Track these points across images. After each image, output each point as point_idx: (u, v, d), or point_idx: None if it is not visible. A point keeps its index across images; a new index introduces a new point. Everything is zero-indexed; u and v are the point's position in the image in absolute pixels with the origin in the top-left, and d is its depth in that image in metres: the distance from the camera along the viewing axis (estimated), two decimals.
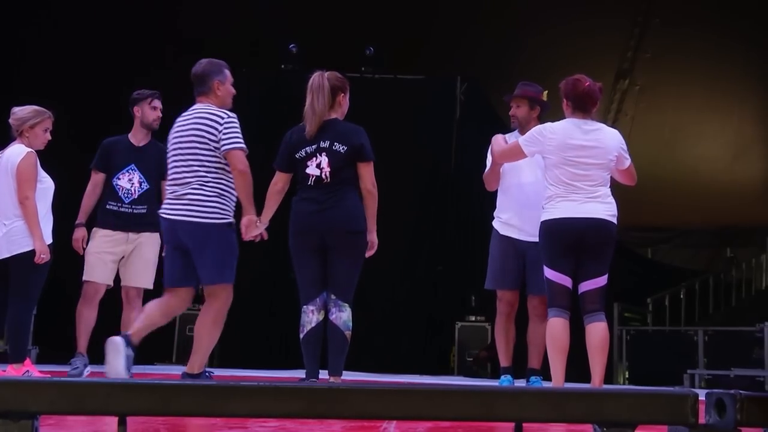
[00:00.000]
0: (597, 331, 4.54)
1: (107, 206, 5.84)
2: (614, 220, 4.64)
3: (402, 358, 10.15)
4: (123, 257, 5.85)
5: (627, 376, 10.47)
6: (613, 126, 8.42)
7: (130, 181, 5.86)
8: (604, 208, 4.63)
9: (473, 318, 10.55)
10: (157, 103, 5.97)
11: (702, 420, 1.79)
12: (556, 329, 4.56)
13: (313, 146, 4.61)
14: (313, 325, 4.66)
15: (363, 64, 11.15)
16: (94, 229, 5.85)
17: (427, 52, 11.94)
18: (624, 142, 4.80)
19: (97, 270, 5.80)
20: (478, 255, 11.36)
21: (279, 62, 10.63)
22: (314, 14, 11.38)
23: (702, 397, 1.80)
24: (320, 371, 4.85)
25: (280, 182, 4.73)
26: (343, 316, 4.62)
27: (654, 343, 10.61)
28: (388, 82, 11.19)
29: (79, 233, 5.84)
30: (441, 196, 11.18)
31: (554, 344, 4.57)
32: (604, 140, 4.69)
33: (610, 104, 13.22)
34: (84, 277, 5.83)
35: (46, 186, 5.43)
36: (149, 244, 5.86)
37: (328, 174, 4.58)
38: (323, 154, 4.59)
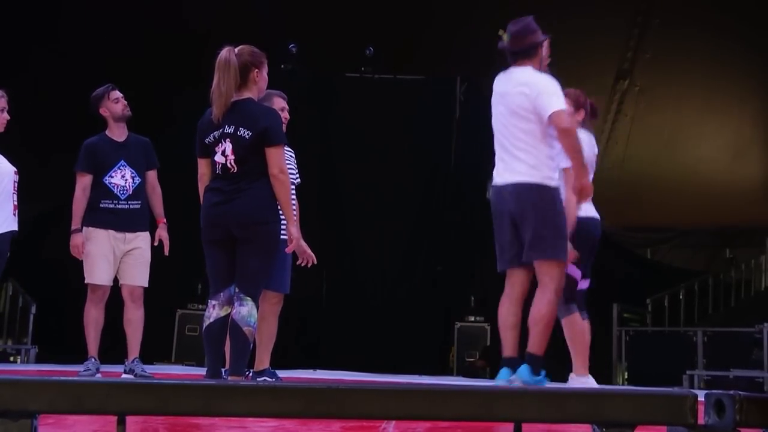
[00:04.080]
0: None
1: (101, 205, 5.80)
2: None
3: (402, 358, 10.16)
4: (121, 257, 5.85)
5: (626, 376, 10.48)
6: (612, 126, 8.40)
7: (123, 178, 5.85)
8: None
9: (473, 318, 10.56)
10: (115, 94, 5.95)
11: (701, 421, 1.79)
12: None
13: (219, 131, 4.26)
14: (212, 320, 4.27)
15: (363, 64, 11.17)
16: (89, 229, 5.79)
17: (427, 52, 11.93)
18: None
19: (102, 271, 5.78)
20: (477, 255, 11.42)
21: (278, 62, 10.63)
22: (314, 14, 11.38)
23: (701, 398, 1.80)
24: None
25: (200, 168, 4.42)
26: (242, 311, 4.18)
27: (653, 344, 10.62)
28: (387, 82, 11.21)
29: (79, 239, 5.75)
30: (441, 196, 11.19)
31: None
32: None
33: (609, 105, 13.21)
34: (88, 280, 5.79)
35: None
36: (145, 243, 5.90)
37: (233, 162, 4.22)
38: (227, 140, 4.23)
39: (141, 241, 5.89)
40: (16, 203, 5.34)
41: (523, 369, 4.40)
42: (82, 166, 5.84)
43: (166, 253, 5.92)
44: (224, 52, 4.26)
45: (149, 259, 5.93)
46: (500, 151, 4.68)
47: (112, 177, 5.83)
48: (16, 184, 5.35)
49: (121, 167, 5.86)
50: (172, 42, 10.59)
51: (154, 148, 6.07)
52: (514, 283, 4.60)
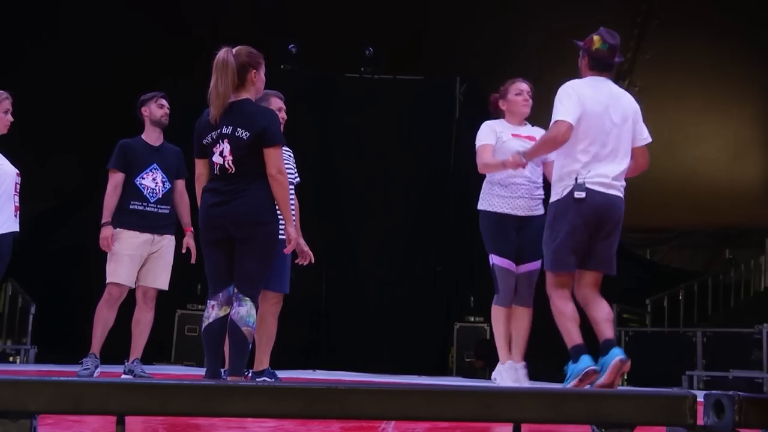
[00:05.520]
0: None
1: (131, 206, 5.85)
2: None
3: (401, 358, 10.16)
4: (146, 257, 5.88)
5: (625, 376, 10.47)
6: None
7: (154, 180, 5.90)
8: None
9: (472, 318, 10.56)
10: (163, 102, 6.05)
11: (700, 421, 1.79)
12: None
13: (216, 132, 4.26)
14: (211, 320, 4.25)
15: (362, 64, 11.18)
16: (118, 230, 5.82)
17: (427, 52, 11.94)
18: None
19: (125, 272, 5.81)
20: (476, 256, 11.41)
21: (278, 62, 10.64)
22: (314, 14, 11.39)
23: (700, 399, 1.80)
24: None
25: (197, 169, 4.43)
26: (241, 311, 4.17)
27: (652, 344, 10.60)
28: (387, 83, 11.21)
29: (108, 231, 5.78)
30: (440, 197, 11.19)
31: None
32: None
33: None
34: (109, 279, 5.81)
35: None
36: (169, 246, 5.97)
37: (230, 163, 4.21)
38: (225, 141, 4.23)
39: (166, 242, 5.95)
40: (17, 204, 5.36)
41: (618, 350, 4.50)
42: (115, 164, 5.89)
43: (193, 261, 5.95)
44: (222, 53, 4.25)
45: (170, 262, 5.99)
46: (606, 154, 4.61)
47: (144, 178, 5.88)
48: (17, 186, 5.36)
49: (153, 170, 5.92)
50: (172, 42, 10.59)
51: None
52: (568, 284, 4.69)
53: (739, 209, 13.89)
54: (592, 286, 4.67)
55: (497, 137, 5.29)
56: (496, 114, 5.53)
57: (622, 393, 1.83)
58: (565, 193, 4.57)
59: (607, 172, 4.57)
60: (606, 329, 4.58)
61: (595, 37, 4.70)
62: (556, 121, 4.56)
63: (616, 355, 4.40)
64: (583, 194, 4.51)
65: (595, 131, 4.58)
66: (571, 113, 4.54)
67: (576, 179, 4.54)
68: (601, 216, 4.56)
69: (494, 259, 5.27)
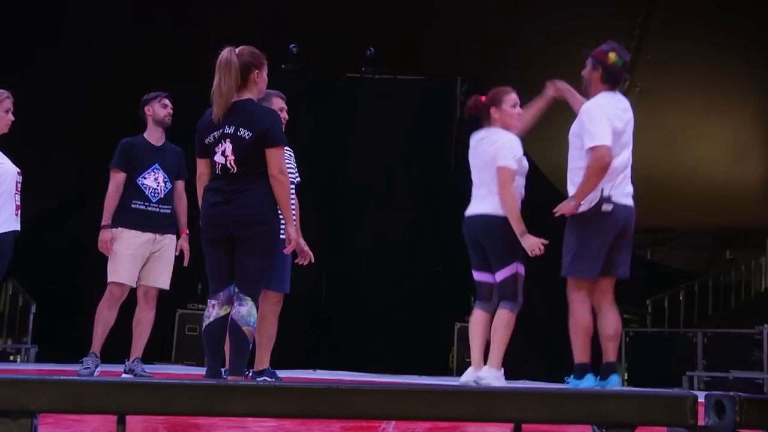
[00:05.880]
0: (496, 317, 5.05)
1: (132, 205, 5.85)
2: (496, 213, 4.98)
3: (401, 358, 10.15)
4: (147, 257, 5.89)
5: (626, 377, 10.47)
6: None
7: (155, 180, 5.91)
8: (483, 205, 5.07)
9: None
10: (167, 101, 6.07)
11: (701, 422, 1.79)
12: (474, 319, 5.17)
13: (218, 132, 4.26)
14: (212, 319, 4.25)
15: (363, 64, 11.17)
16: (120, 229, 5.84)
17: (427, 52, 11.94)
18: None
19: (127, 271, 5.82)
20: None
21: (279, 62, 10.63)
22: (314, 14, 11.39)
23: (701, 399, 1.80)
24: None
25: (198, 168, 4.44)
26: (242, 310, 4.17)
27: (653, 345, 10.60)
28: (388, 83, 11.20)
29: (108, 235, 5.80)
30: (440, 197, 11.18)
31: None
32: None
33: None
34: (111, 279, 5.82)
35: None
36: (171, 246, 5.98)
37: (233, 162, 4.22)
38: (227, 140, 4.23)
39: (168, 242, 5.95)
40: (18, 203, 5.36)
41: (617, 379, 4.67)
42: (117, 164, 5.90)
43: (186, 264, 5.96)
44: (225, 53, 4.26)
45: (172, 262, 6.01)
46: (625, 166, 4.85)
47: (146, 178, 5.89)
48: (19, 185, 5.37)
49: (155, 170, 5.92)
50: (173, 42, 10.59)
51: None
52: (589, 288, 4.85)
53: (740, 210, 13.89)
54: (607, 293, 4.85)
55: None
56: (478, 117, 5.21)
57: (623, 393, 1.83)
58: (592, 205, 4.70)
59: (627, 184, 4.80)
60: (610, 350, 4.72)
61: (611, 54, 4.84)
62: (595, 147, 4.66)
63: (614, 385, 4.58)
64: (610, 207, 4.68)
65: (618, 146, 4.74)
66: (606, 135, 4.66)
67: (602, 192, 4.69)
68: (624, 226, 4.79)
69: (520, 268, 5.05)
